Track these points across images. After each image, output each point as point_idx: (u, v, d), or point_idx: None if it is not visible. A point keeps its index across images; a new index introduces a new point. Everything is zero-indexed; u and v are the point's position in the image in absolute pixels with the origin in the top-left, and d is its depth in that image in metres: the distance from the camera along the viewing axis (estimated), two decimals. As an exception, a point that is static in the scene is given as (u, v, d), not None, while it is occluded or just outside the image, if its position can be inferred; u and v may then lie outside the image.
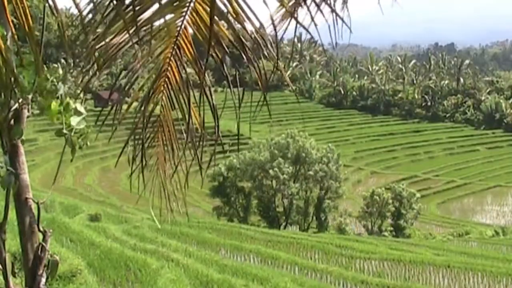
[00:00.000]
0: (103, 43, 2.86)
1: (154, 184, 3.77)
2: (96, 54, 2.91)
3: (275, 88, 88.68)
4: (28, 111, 3.24)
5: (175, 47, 3.15)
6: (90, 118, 3.36)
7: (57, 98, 3.15)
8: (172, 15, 2.96)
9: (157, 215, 3.81)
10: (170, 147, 3.68)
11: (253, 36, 2.76)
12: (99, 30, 2.78)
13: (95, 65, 2.97)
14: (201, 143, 3.34)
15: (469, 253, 24.09)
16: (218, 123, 3.01)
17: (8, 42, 2.49)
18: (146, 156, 3.59)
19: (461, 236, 39.87)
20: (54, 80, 3.11)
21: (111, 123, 3.38)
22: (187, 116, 3.26)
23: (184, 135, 3.38)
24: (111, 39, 2.88)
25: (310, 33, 2.63)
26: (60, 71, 3.15)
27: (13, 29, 2.43)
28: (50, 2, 2.24)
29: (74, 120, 3.22)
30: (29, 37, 2.29)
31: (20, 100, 3.11)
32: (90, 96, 62.83)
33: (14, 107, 3.11)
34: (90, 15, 2.60)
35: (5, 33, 2.48)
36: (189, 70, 3.29)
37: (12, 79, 2.63)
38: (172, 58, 3.23)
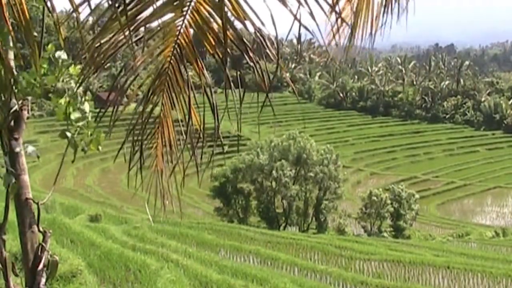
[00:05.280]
0: (99, 42, 2.85)
1: (150, 183, 3.78)
2: (95, 54, 2.90)
3: (275, 89, 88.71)
4: (28, 112, 3.25)
5: (176, 46, 3.15)
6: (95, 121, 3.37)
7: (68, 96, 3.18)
8: (172, 14, 2.94)
9: (152, 214, 3.84)
10: (169, 146, 3.68)
11: (254, 36, 2.76)
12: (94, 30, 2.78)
13: (93, 64, 2.96)
14: (200, 143, 3.34)
15: (469, 254, 24.09)
16: (218, 123, 3.01)
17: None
18: (144, 155, 3.58)
19: (461, 237, 39.84)
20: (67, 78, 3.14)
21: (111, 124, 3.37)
22: (187, 116, 3.26)
23: (183, 135, 3.37)
24: (107, 38, 2.86)
25: (311, 33, 2.62)
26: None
27: (12, 30, 2.43)
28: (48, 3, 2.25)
29: (74, 115, 3.24)
30: (27, 37, 2.30)
31: (20, 102, 3.12)
32: (91, 97, 62.66)
33: (14, 108, 3.12)
34: (85, 15, 2.59)
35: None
36: (190, 72, 3.29)
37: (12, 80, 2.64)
38: (173, 57, 3.22)
